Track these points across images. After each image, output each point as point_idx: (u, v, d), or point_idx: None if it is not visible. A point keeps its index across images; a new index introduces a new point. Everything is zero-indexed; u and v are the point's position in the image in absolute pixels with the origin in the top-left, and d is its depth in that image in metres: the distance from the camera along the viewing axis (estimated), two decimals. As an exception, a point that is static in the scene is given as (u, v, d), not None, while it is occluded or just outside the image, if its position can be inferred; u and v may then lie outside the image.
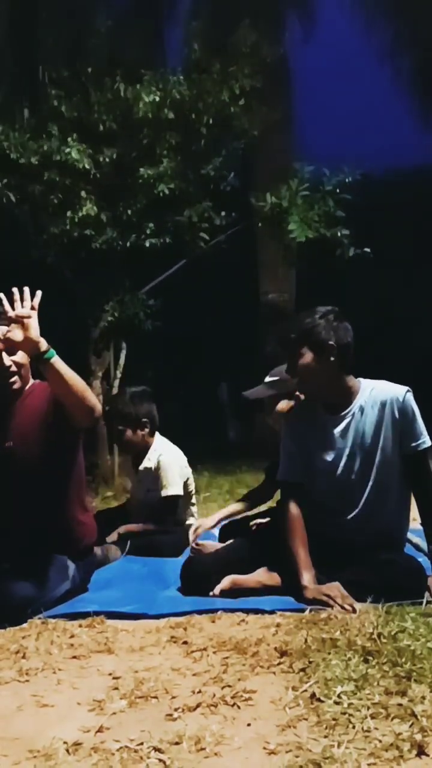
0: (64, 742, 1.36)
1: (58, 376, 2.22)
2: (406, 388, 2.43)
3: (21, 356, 2.42)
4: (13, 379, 2.43)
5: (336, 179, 6.45)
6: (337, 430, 2.44)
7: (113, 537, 3.34)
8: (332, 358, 2.38)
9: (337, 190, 6.42)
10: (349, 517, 2.44)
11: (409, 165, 15.18)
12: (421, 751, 1.26)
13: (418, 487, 2.43)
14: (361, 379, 2.48)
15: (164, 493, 3.41)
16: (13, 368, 2.42)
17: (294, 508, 2.42)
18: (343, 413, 2.44)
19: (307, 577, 2.26)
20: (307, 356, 2.40)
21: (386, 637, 1.80)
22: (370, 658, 1.68)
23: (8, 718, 1.52)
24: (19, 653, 1.89)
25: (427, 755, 1.25)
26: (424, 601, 2.11)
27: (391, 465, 2.41)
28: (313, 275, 8.96)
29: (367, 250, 6.44)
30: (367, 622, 1.93)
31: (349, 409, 2.43)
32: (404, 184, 15.05)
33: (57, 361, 2.21)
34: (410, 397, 2.41)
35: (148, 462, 3.50)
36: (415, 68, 10.06)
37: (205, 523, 3.00)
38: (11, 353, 2.40)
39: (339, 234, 6.37)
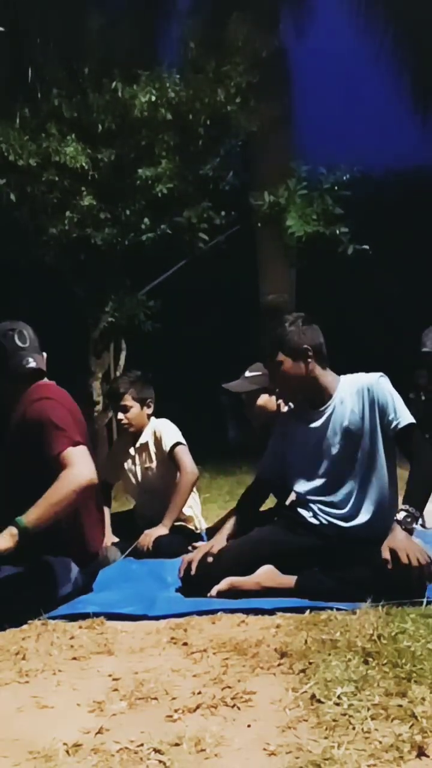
0: (64, 743, 1.36)
1: (40, 524, 2.24)
2: (380, 373, 2.53)
3: None
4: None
5: (333, 177, 6.46)
6: (320, 423, 2.56)
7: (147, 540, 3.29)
8: (309, 360, 2.53)
9: (335, 188, 6.42)
10: (340, 509, 2.50)
11: (409, 164, 15.20)
12: (421, 752, 1.26)
13: (409, 461, 2.49)
14: (340, 376, 2.60)
15: (169, 444, 3.42)
16: None
17: (248, 492, 2.78)
18: (324, 407, 2.56)
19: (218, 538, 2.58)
20: (286, 364, 2.54)
21: (386, 638, 1.80)
22: (370, 659, 1.68)
23: (8, 719, 1.52)
24: (19, 654, 1.89)
25: (428, 756, 1.25)
26: (424, 601, 2.11)
27: (375, 451, 2.50)
28: (313, 275, 8.95)
29: (366, 247, 6.44)
30: (367, 624, 1.93)
31: (330, 402, 2.55)
32: (403, 183, 15.07)
33: (28, 520, 2.22)
34: (384, 381, 2.51)
35: (143, 439, 3.53)
36: (414, 67, 10.04)
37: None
38: None
39: (338, 232, 6.38)
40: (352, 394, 2.51)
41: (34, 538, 2.35)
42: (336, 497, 2.52)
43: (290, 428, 2.67)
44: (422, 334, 4.16)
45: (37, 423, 2.39)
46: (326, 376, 2.57)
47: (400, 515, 2.33)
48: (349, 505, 2.50)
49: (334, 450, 2.52)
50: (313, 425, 2.57)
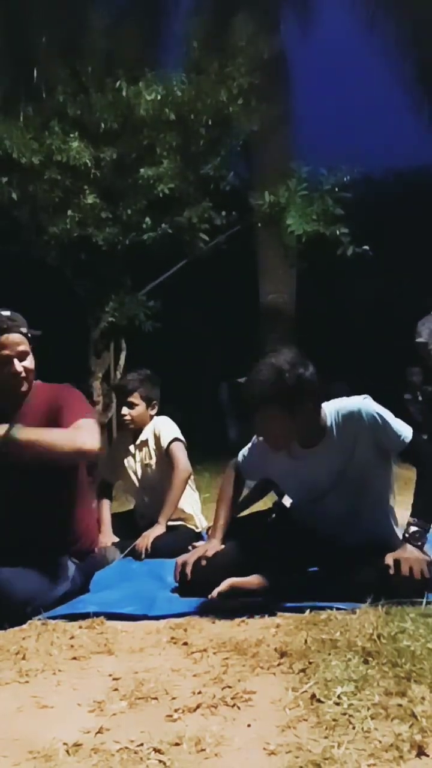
0: (64, 743, 1.36)
1: (29, 446, 2.22)
2: (363, 396, 2.40)
3: (29, 362, 2.49)
4: (22, 385, 2.50)
5: (334, 178, 6.46)
6: (309, 459, 2.43)
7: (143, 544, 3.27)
8: (309, 410, 2.35)
9: (336, 189, 6.43)
10: (331, 529, 2.47)
11: (410, 165, 15.20)
12: (421, 752, 1.26)
13: (417, 473, 2.45)
14: (323, 405, 2.42)
15: (167, 441, 3.44)
16: (23, 374, 2.48)
17: (230, 486, 2.70)
18: (317, 445, 2.41)
19: (213, 541, 2.52)
20: (285, 420, 2.31)
21: (386, 637, 1.80)
22: (370, 658, 1.68)
23: (8, 719, 1.52)
24: (19, 654, 1.89)
25: (427, 756, 1.25)
26: (424, 601, 2.11)
27: (368, 475, 2.43)
28: (313, 275, 8.96)
29: (367, 247, 6.44)
30: (366, 623, 1.93)
31: (323, 439, 2.41)
32: (404, 184, 15.07)
33: (22, 433, 2.20)
34: (369, 402, 2.39)
35: (144, 436, 3.55)
36: (417, 67, 10.04)
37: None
38: (22, 359, 2.46)
39: (338, 232, 6.37)
40: (339, 424, 2.37)
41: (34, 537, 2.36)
42: (327, 521, 2.48)
43: (275, 455, 2.51)
44: (417, 324, 4.10)
45: (60, 405, 2.41)
46: (319, 415, 2.38)
47: (410, 530, 2.31)
48: (341, 527, 2.46)
49: (324, 483, 2.44)
50: (302, 460, 2.45)
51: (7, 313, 2.46)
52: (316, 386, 2.32)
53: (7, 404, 2.51)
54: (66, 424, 2.33)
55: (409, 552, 2.25)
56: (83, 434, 2.28)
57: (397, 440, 2.38)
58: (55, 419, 2.39)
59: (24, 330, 2.46)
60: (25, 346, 2.46)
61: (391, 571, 2.20)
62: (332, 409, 2.42)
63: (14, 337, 2.44)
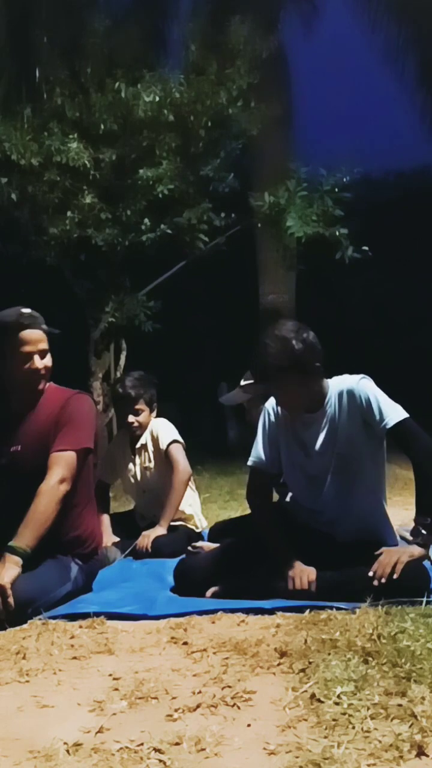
0: (65, 743, 1.36)
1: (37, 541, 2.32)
2: (361, 375, 2.47)
3: (49, 359, 2.51)
4: (40, 383, 2.51)
5: (333, 179, 6.47)
6: (309, 428, 2.50)
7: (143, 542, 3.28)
8: (318, 375, 2.44)
9: (335, 190, 6.43)
10: (322, 514, 2.50)
11: (410, 166, 15.22)
12: (420, 752, 1.26)
13: (410, 458, 2.44)
14: (327, 379, 2.52)
15: (166, 443, 3.45)
16: (43, 372, 2.49)
17: (263, 499, 2.64)
18: (318, 412, 2.48)
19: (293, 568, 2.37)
20: (295, 383, 2.41)
21: (386, 637, 1.80)
22: (370, 658, 1.68)
23: (8, 719, 1.52)
24: (20, 654, 1.89)
25: (427, 756, 1.25)
26: (424, 601, 2.11)
27: (357, 456, 2.45)
28: (312, 276, 8.97)
29: (366, 248, 6.44)
30: (366, 623, 1.93)
31: (323, 407, 2.48)
32: (404, 185, 15.08)
33: (22, 542, 2.29)
34: (365, 383, 2.44)
35: (143, 440, 3.56)
36: (418, 68, 10.03)
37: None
38: (43, 356, 2.47)
39: (337, 233, 6.38)
40: (336, 398, 2.46)
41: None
42: (317, 503, 2.50)
43: (280, 423, 2.58)
44: None
45: (65, 422, 2.45)
46: (323, 379, 2.49)
47: (410, 528, 2.33)
48: (331, 511, 2.48)
49: (316, 456, 2.48)
50: (303, 430, 2.51)
51: (27, 310, 2.47)
52: (319, 347, 2.44)
53: (20, 404, 2.53)
54: (56, 446, 2.42)
55: (389, 556, 2.26)
56: (52, 482, 2.36)
57: (380, 423, 2.38)
58: (55, 433, 2.44)
59: (45, 327, 2.47)
60: (45, 344, 2.47)
61: (375, 583, 2.21)
62: (333, 381, 2.50)
63: (36, 333, 2.44)
